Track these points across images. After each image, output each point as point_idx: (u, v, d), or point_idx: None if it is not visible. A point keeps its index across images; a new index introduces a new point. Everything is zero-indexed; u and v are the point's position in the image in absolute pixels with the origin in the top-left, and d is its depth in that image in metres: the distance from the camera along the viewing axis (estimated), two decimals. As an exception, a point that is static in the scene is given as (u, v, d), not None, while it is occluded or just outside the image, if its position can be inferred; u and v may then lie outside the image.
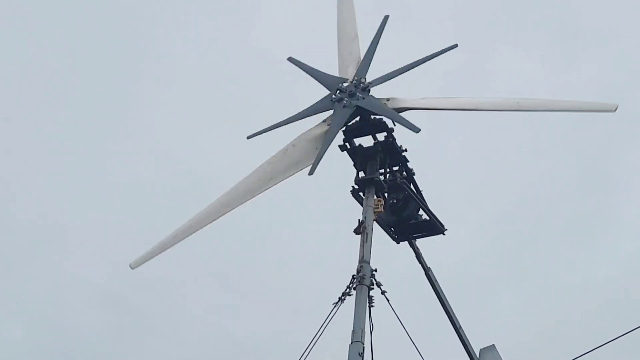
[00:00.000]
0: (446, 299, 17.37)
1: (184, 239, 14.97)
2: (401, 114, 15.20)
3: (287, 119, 15.92)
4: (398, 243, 16.65)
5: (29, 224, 34.58)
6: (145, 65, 37.75)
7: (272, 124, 15.95)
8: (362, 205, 15.22)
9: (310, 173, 14.75)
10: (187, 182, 34.79)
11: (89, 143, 35.99)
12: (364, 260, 14.36)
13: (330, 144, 15.21)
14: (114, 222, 34.07)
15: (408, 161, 15.76)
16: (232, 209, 15.05)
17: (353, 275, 14.27)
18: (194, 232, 14.98)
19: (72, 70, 36.47)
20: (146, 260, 15.01)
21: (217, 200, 15.24)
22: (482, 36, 37.56)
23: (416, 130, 14.59)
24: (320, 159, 14.93)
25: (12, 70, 36.62)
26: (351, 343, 13.56)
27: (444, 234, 16.59)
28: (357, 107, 15.47)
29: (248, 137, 16.00)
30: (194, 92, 35.56)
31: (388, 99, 15.55)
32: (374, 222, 15.73)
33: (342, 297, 14.15)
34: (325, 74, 16.46)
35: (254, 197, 15.06)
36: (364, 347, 13.60)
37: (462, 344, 17.62)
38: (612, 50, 37.15)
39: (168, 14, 39.14)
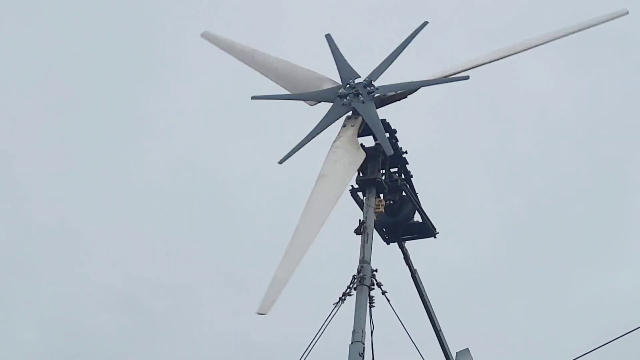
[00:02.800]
0: (429, 301, 17.27)
1: (290, 277, 13.04)
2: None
3: (291, 95, 15.95)
4: (388, 244, 16.59)
5: (44, 227, 34.63)
6: (162, 67, 37.81)
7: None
8: (359, 205, 15.28)
9: (281, 162, 14.69)
10: (204, 187, 34.85)
11: (105, 147, 36.05)
12: (364, 261, 14.37)
13: (312, 137, 15.05)
14: (128, 226, 34.15)
15: (408, 163, 15.79)
16: (317, 232, 13.48)
17: (353, 276, 14.26)
18: (295, 269, 13.10)
19: (89, 71, 36.33)
20: (273, 302, 12.73)
21: (299, 230, 13.50)
22: (499, 40, 37.35)
23: (389, 151, 14.64)
24: (297, 150, 14.83)
25: (27, 72, 36.64)
26: (351, 343, 13.56)
27: (435, 237, 16.55)
28: (354, 109, 15.48)
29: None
30: (212, 96, 35.61)
31: None
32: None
33: (343, 297, 14.13)
34: (347, 63, 16.38)
35: (329, 213, 13.81)
36: (364, 348, 13.59)
37: (441, 346, 17.61)
38: (630, 54, 36.91)
39: (186, 15, 39.22)
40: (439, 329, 17.30)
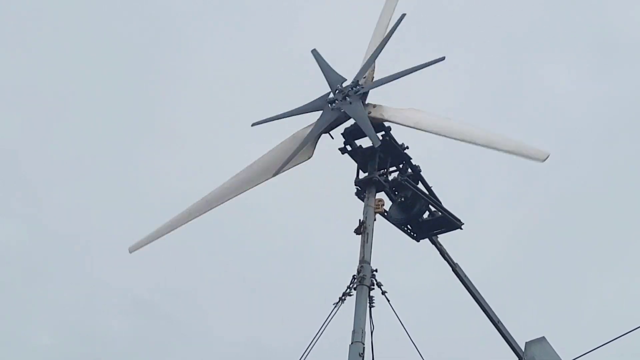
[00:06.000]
0: (479, 293, 17.15)
1: (182, 225, 16.09)
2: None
3: (286, 112, 16.07)
4: (418, 241, 16.50)
5: (59, 232, 35.14)
6: (176, 73, 38.13)
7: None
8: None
9: (275, 175, 15.13)
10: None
11: (119, 151, 36.46)
12: (364, 261, 14.41)
13: (306, 145, 15.26)
14: (143, 230, 34.38)
15: (411, 158, 15.63)
16: (229, 199, 15.80)
17: (353, 276, 14.34)
18: (194, 217, 16.01)
19: (101, 75, 36.84)
20: (143, 245, 16.21)
21: (218, 189, 15.98)
22: (519, 48, 36.93)
23: (376, 143, 14.67)
24: (291, 159, 15.07)
25: (41, 76, 37.22)
26: (351, 343, 13.66)
27: (461, 229, 16.40)
28: (362, 94, 15.57)
29: (253, 125, 16.32)
30: (225, 102, 35.71)
31: (375, 106, 15.58)
32: (388, 221, 15.96)
33: (343, 297, 14.25)
34: (334, 72, 16.47)
35: (248, 189, 15.71)
36: (364, 347, 13.66)
37: (503, 337, 17.36)
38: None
39: (199, 20, 39.44)
40: (496, 320, 17.16)
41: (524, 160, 13.66)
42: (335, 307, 14.19)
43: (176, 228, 16.01)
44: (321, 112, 15.76)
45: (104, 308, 34.46)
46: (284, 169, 15.16)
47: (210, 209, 15.85)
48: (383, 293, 14.39)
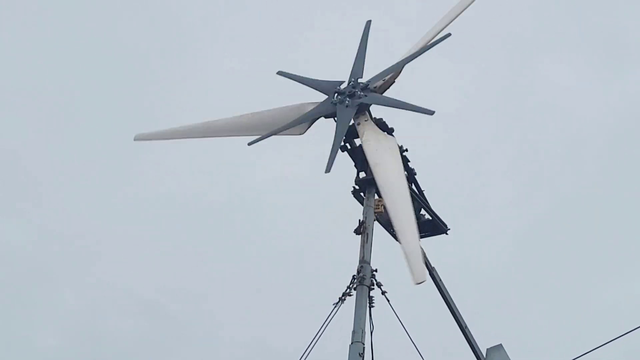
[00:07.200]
0: (451, 298, 17.24)
1: (182, 138, 17.32)
2: None
3: (287, 124, 15.80)
4: (401, 243, 16.58)
5: (64, 234, 34.54)
6: (180, 74, 37.76)
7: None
8: (363, 206, 15.19)
9: (327, 171, 14.55)
10: (225, 193, 34.76)
11: (125, 153, 35.95)
12: (364, 261, 14.41)
13: (339, 145, 15.14)
14: (150, 231, 34.07)
15: (409, 161, 15.70)
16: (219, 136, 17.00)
17: (353, 276, 14.30)
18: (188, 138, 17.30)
19: (105, 76, 36.41)
20: (149, 139, 17.54)
21: (218, 121, 17.02)
22: (524, 47, 37.18)
23: (430, 112, 14.58)
24: (334, 159, 14.79)
25: (43, 77, 36.73)
26: (351, 343, 13.61)
27: (446, 234, 16.58)
28: (360, 104, 15.45)
29: (249, 144, 16.02)
30: (228, 103, 35.47)
31: (367, 120, 15.51)
32: (378, 222, 15.98)
33: (343, 298, 14.20)
34: (319, 80, 16.35)
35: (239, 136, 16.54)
36: (364, 348, 13.63)
37: (469, 343, 17.56)
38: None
39: (203, 21, 39.26)
40: (464, 325, 17.18)
41: None
42: (335, 307, 14.18)
43: (181, 138, 17.23)
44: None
45: (110, 309, 33.80)
46: (275, 134, 15.74)
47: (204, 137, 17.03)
48: (383, 293, 14.41)
